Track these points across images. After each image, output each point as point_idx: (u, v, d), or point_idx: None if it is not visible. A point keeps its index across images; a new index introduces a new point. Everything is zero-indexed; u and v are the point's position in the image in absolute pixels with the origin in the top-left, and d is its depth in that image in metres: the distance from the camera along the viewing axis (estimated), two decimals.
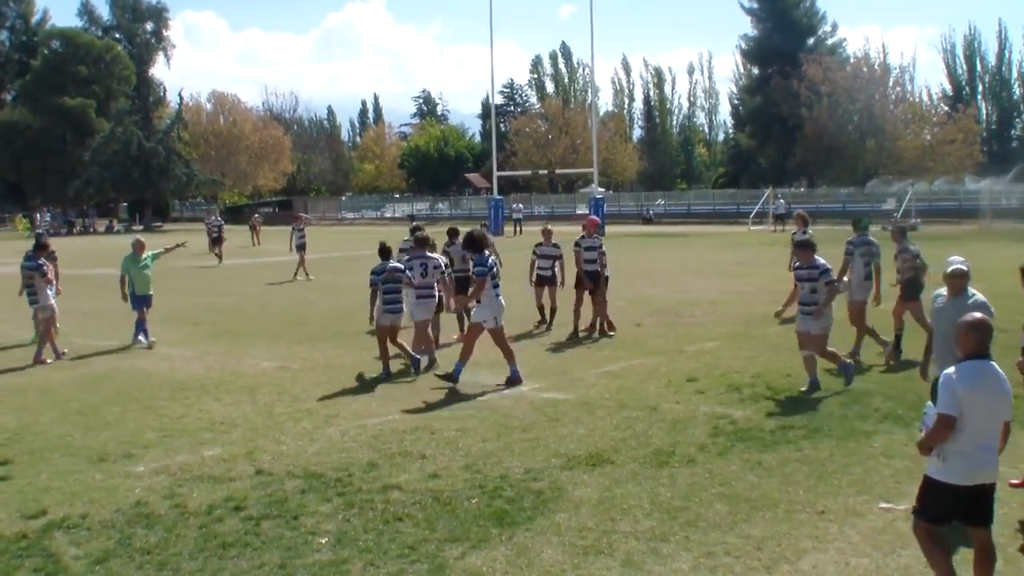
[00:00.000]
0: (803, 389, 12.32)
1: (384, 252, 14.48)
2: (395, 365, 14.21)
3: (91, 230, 79.94)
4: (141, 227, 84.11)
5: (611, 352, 15.67)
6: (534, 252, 18.41)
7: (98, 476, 9.20)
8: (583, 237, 17.73)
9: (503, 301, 13.53)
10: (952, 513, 6.05)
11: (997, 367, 5.99)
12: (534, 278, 18.27)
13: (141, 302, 17.19)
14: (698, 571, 6.71)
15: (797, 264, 13.40)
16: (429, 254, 15.07)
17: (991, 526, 6.15)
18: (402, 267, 14.63)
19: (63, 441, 10.56)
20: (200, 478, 9.04)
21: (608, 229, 55.94)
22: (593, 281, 17.33)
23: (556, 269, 18.17)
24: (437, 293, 15.14)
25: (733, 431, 10.38)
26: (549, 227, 19.05)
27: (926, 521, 6.13)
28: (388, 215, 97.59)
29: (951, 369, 6.02)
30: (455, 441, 10.21)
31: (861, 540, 7.25)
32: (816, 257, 12.65)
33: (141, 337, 17.05)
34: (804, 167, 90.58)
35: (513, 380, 13.17)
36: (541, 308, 18.43)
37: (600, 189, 65.92)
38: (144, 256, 17.39)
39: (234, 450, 10.02)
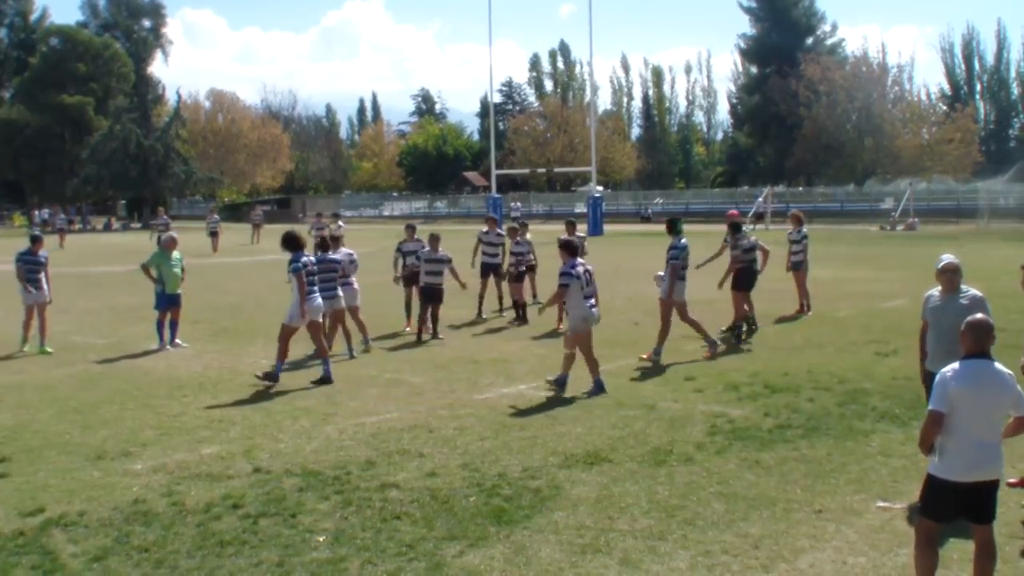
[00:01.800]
0: (550, 378, 12.62)
1: (294, 242, 13.98)
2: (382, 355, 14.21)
3: (88, 228, 79.76)
4: (139, 225, 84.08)
5: (608, 351, 15.64)
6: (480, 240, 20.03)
7: (96, 474, 9.20)
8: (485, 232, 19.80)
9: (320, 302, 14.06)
10: (953, 510, 6.06)
11: (999, 366, 6.00)
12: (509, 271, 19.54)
13: (170, 301, 16.47)
14: (696, 570, 6.71)
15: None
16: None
17: (993, 523, 6.15)
18: (338, 259, 15.47)
19: (61, 439, 10.55)
20: (198, 476, 9.04)
21: (606, 228, 56.16)
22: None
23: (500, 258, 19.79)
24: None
25: (731, 430, 10.38)
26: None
27: (929, 519, 6.15)
28: (387, 213, 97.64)
29: (948, 367, 6.06)
30: (453, 439, 10.21)
31: (859, 539, 7.25)
32: (574, 259, 12.71)
33: (179, 340, 16.72)
34: (802, 166, 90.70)
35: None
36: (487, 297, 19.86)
37: (598, 188, 65.87)
38: (175, 254, 16.87)
39: (232, 448, 10.02)
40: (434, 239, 17.59)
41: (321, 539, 7.34)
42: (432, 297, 17.15)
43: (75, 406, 12.24)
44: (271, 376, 13.25)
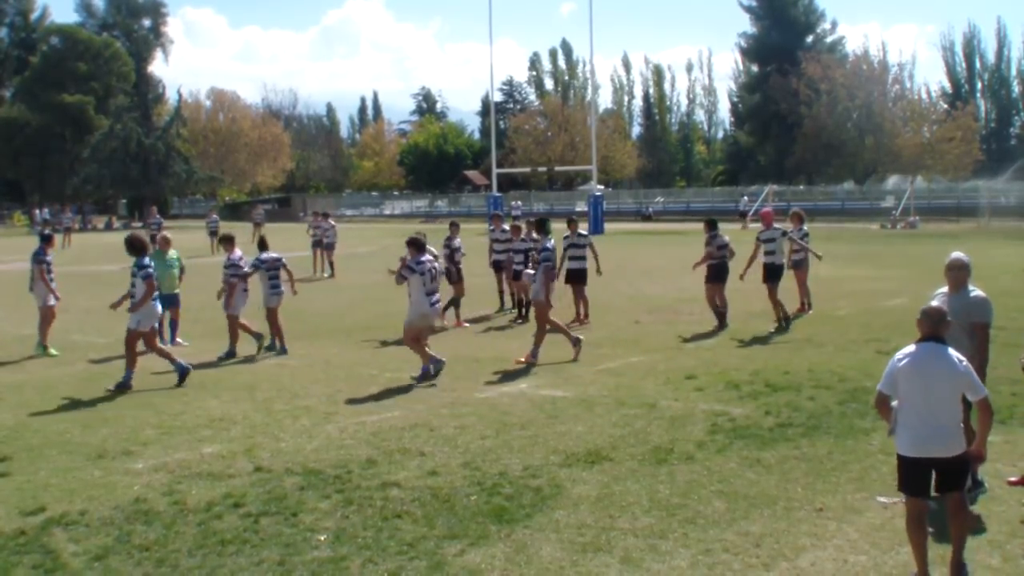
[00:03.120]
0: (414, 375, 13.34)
1: (135, 247, 13.83)
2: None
3: (88, 227, 79.75)
4: (140, 224, 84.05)
5: (610, 349, 15.67)
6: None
7: (97, 473, 9.20)
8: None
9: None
10: (921, 483, 6.40)
11: (952, 351, 6.37)
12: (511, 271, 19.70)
13: (168, 301, 16.04)
14: (696, 568, 6.71)
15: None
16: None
17: (962, 491, 6.49)
18: (280, 257, 16.23)
19: (62, 438, 10.55)
20: (199, 475, 9.04)
21: (607, 226, 56.12)
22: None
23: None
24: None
25: (732, 428, 10.38)
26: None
27: (907, 494, 6.53)
28: (388, 212, 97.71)
29: (901, 350, 6.51)
30: (454, 438, 10.21)
31: (859, 537, 7.25)
32: (420, 256, 13.58)
33: (179, 339, 16.77)
34: (803, 165, 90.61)
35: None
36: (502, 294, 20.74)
37: (599, 186, 65.99)
38: (170, 254, 16.83)
39: (233, 447, 10.02)
40: (454, 226, 20.17)
41: (322, 538, 7.34)
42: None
43: (75, 405, 12.26)
44: (122, 386, 13.03)
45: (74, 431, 10.85)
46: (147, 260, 13.59)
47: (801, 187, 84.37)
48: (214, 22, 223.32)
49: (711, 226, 18.09)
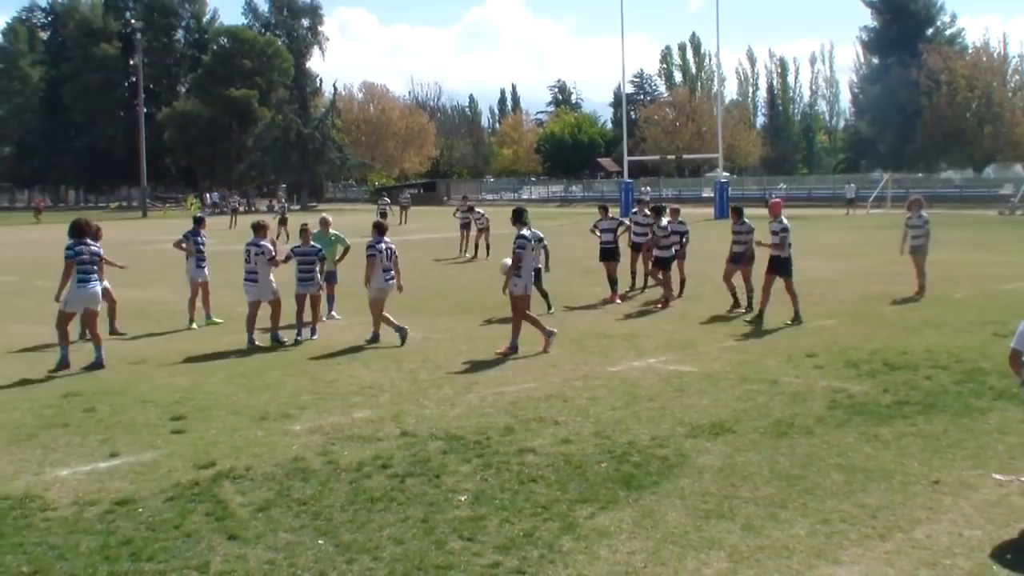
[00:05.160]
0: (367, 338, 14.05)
1: (74, 230, 13.52)
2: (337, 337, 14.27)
3: (253, 210, 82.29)
4: (298, 207, 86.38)
5: (734, 328, 15.47)
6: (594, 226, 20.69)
7: (260, 433, 9.52)
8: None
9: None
10: None
11: None
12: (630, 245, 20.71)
13: (330, 277, 16.68)
14: (815, 537, 6.58)
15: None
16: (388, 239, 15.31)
17: None
18: (318, 248, 15.74)
19: (229, 400, 10.96)
20: (350, 437, 9.26)
21: None
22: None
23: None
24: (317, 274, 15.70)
25: (850, 405, 10.13)
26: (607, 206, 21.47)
27: None
28: (525, 196, 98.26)
29: None
30: (586, 409, 10.23)
31: (975, 512, 6.98)
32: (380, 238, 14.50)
33: (334, 313, 17.08)
34: (922, 153, 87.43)
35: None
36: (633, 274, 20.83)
37: (724, 173, 64.93)
38: (331, 233, 17.16)
39: (381, 413, 10.24)
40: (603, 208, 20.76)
41: (463, 499, 7.44)
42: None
43: (241, 371, 12.71)
44: (62, 364, 12.81)
45: (240, 395, 11.26)
46: (77, 243, 13.12)
47: (920, 175, 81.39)
48: (366, 21, 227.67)
49: (737, 214, 18.19)
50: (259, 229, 15.67)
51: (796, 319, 15.72)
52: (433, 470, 8.16)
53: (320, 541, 6.63)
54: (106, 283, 15.66)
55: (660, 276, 18.63)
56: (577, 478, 7.89)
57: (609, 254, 19.68)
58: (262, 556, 6.38)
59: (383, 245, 14.76)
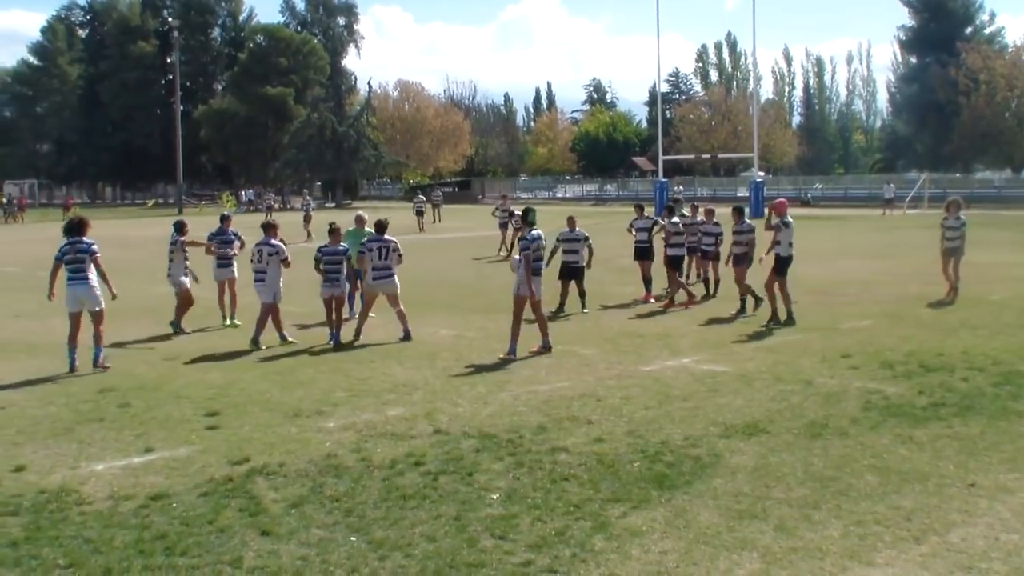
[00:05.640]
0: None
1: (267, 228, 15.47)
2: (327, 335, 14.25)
3: (288, 207, 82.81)
4: (333, 204, 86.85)
5: (768, 328, 15.38)
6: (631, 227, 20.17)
7: (293, 429, 9.59)
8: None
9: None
10: None
11: None
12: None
13: (357, 275, 16.30)
14: (848, 538, 6.53)
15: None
16: (388, 238, 15.24)
17: None
18: (345, 248, 15.34)
19: (263, 397, 11.05)
20: (384, 435, 9.31)
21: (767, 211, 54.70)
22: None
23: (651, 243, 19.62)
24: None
25: (885, 406, 10.04)
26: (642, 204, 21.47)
27: None
28: (559, 195, 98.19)
29: None
30: (619, 408, 10.21)
31: (1011, 516, 6.90)
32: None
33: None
34: (960, 153, 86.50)
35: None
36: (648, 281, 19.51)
37: (760, 173, 64.66)
38: (366, 231, 16.95)
39: (415, 410, 10.28)
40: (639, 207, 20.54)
41: (495, 497, 7.46)
42: (571, 275, 17.65)
43: (275, 368, 12.82)
44: (70, 368, 12.75)
45: (274, 391, 11.35)
46: (62, 243, 13.14)
47: (957, 175, 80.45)
48: (401, 19, 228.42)
49: (739, 213, 17.94)
50: (269, 229, 15.60)
51: (788, 318, 15.81)
52: (466, 468, 8.18)
53: (352, 538, 6.67)
54: (185, 278, 16.27)
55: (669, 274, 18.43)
56: (610, 477, 7.88)
57: (643, 253, 19.50)
58: (295, 552, 6.43)
59: (377, 243, 14.98)
